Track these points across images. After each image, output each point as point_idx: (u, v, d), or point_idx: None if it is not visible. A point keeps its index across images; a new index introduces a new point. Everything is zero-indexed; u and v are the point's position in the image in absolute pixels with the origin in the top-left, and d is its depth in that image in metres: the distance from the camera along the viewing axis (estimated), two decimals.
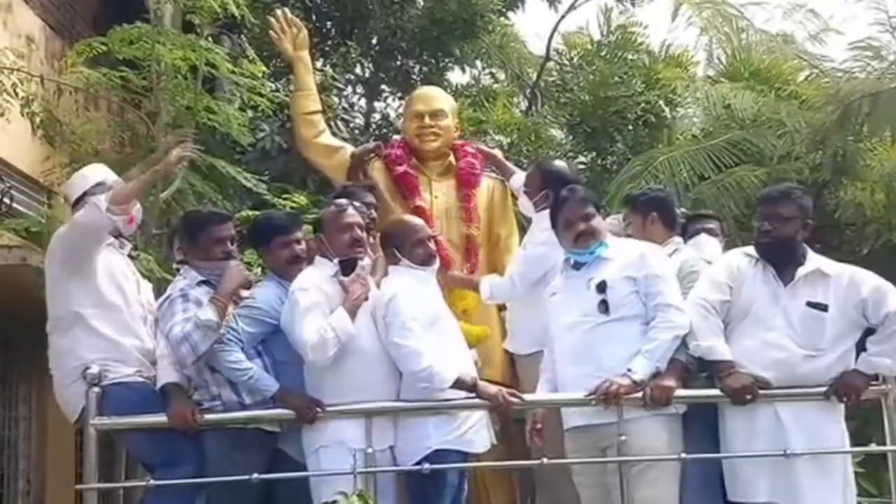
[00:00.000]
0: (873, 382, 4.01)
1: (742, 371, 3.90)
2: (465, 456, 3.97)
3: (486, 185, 5.29)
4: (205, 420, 3.94)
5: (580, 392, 3.93)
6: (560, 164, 5.15)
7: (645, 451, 3.88)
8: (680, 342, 3.95)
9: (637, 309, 3.98)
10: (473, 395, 3.93)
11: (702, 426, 3.99)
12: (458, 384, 3.90)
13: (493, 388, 3.95)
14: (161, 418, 3.94)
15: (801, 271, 3.99)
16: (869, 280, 3.99)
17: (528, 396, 4.17)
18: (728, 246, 4.71)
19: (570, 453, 4.08)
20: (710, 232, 4.62)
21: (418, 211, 4.90)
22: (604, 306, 3.97)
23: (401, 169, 5.14)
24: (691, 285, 4.08)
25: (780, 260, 4.01)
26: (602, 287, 3.99)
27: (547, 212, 4.39)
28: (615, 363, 3.92)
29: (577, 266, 4.11)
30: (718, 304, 3.98)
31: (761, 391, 3.91)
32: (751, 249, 4.13)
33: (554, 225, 4.23)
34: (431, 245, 4.16)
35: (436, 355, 3.88)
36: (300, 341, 3.86)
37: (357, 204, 4.22)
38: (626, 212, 4.61)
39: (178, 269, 4.31)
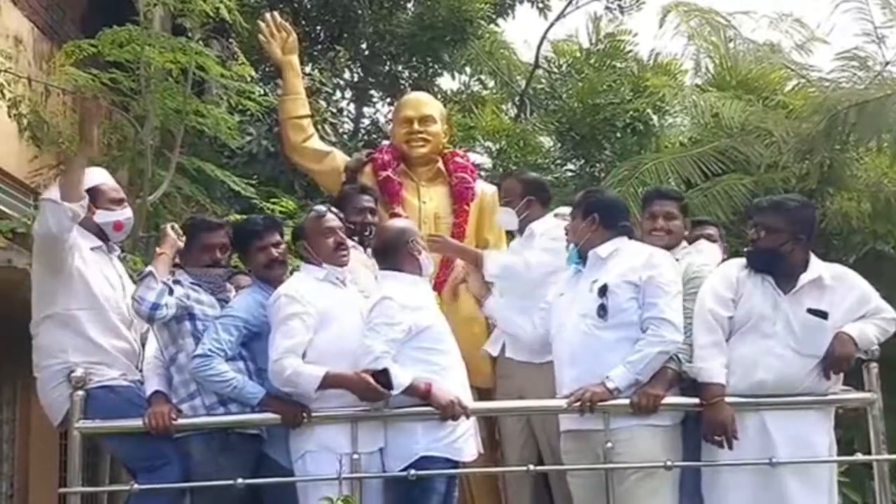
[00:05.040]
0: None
1: (728, 401, 3.85)
2: (455, 464, 3.92)
3: (478, 190, 5.24)
4: (184, 424, 3.91)
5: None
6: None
7: (637, 462, 3.86)
8: (667, 357, 3.93)
9: (636, 315, 3.96)
10: (426, 402, 3.84)
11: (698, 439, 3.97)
12: (411, 390, 3.82)
13: (446, 399, 3.83)
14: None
15: (803, 279, 3.98)
16: (859, 286, 4.03)
17: (482, 404, 4.28)
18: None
19: (565, 454, 4.09)
20: (709, 238, 4.59)
21: (395, 217, 4.85)
22: (602, 311, 3.96)
23: (384, 174, 5.12)
24: (694, 291, 4.05)
25: (772, 269, 3.99)
26: (603, 291, 3.98)
27: (549, 216, 4.48)
28: (607, 369, 3.91)
29: (583, 262, 4.12)
30: (725, 320, 3.96)
31: (750, 399, 3.91)
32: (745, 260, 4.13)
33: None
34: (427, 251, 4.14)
35: (410, 362, 3.83)
36: (270, 352, 3.86)
37: (335, 210, 4.24)
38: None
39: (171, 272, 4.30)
